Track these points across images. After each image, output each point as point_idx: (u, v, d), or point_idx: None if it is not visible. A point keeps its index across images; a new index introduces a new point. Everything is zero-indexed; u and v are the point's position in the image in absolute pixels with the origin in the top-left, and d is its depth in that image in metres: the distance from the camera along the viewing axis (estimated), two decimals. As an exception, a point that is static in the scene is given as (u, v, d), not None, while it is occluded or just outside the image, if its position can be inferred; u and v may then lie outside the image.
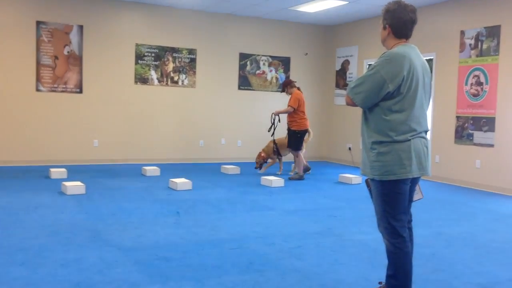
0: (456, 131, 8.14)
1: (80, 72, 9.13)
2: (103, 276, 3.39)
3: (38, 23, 8.76)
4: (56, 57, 8.92)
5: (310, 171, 8.55)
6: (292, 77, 10.71)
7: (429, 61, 8.56)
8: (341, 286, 3.37)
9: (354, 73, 10.54)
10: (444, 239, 4.67)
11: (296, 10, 9.54)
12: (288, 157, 8.94)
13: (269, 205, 6.04)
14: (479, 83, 7.76)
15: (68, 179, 7.14)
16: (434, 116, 8.52)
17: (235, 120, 10.48)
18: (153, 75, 9.71)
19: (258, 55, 10.63)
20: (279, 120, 8.40)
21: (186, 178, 7.36)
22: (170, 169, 8.76)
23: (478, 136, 7.77)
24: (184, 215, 5.31)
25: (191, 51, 10.00)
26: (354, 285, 3.38)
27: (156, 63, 9.71)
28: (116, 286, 3.22)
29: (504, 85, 7.43)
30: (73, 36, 9.03)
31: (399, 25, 2.85)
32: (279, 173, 8.60)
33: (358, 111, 9.31)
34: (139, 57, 9.56)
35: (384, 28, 2.91)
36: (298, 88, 8.26)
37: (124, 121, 9.51)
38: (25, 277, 3.32)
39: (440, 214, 5.84)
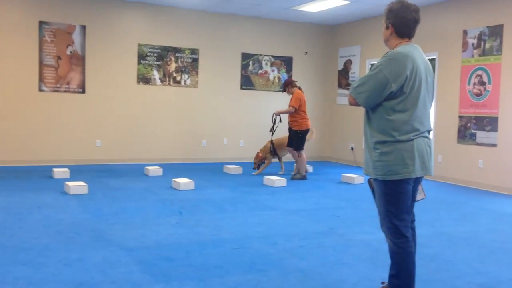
0: (459, 131, 8.13)
1: (83, 72, 9.14)
2: (106, 275, 3.39)
3: (41, 23, 8.77)
4: (59, 57, 8.93)
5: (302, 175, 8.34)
6: (294, 77, 10.71)
7: (432, 60, 8.54)
8: (344, 286, 3.37)
9: (357, 72, 10.53)
10: (446, 239, 4.66)
11: (298, 9, 9.53)
12: (288, 157, 8.90)
13: (271, 205, 6.04)
14: (482, 83, 7.75)
15: (71, 179, 7.15)
16: (436, 115, 8.51)
17: (238, 120, 10.48)
18: (156, 75, 9.72)
19: (261, 55, 10.63)
20: (280, 120, 8.39)
21: (189, 178, 7.36)
22: (173, 169, 8.76)
23: (481, 135, 7.76)
24: (186, 215, 5.31)
25: (194, 51, 10.00)
26: (357, 285, 3.38)
27: (159, 63, 9.72)
28: (119, 285, 3.22)
29: (506, 85, 7.41)
30: (76, 36, 9.05)
31: (402, 24, 2.85)
32: (281, 173, 8.59)
33: (360, 111, 9.32)
34: (141, 57, 9.57)
35: (387, 27, 2.91)
36: (299, 88, 8.25)
37: (126, 121, 9.52)
38: (28, 276, 3.33)
39: (443, 214, 5.83)
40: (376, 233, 4.46)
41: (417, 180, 2.90)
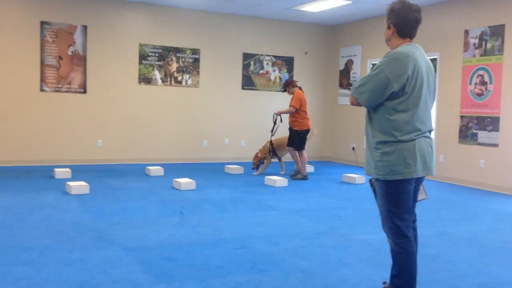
0: (460, 131, 8.12)
1: (84, 72, 9.15)
2: (107, 275, 3.39)
3: (42, 23, 8.78)
4: (60, 57, 8.94)
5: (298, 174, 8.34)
6: (295, 77, 10.71)
7: (433, 60, 8.54)
8: (345, 286, 3.36)
9: (358, 72, 10.53)
10: (448, 239, 4.66)
11: (299, 9, 9.53)
12: (288, 157, 8.87)
13: (272, 205, 6.04)
14: (483, 83, 7.74)
15: (72, 179, 7.16)
16: (438, 115, 8.51)
17: (239, 120, 10.48)
18: (157, 75, 9.73)
19: (262, 55, 10.63)
20: (281, 120, 8.39)
21: (190, 178, 7.36)
22: (174, 169, 8.77)
23: (482, 135, 7.75)
24: (188, 215, 5.31)
25: (195, 51, 10.00)
26: (358, 285, 3.38)
27: (160, 63, 9.72)
28: (120, 285, 3.22)
29: (508, 85, 7.40)
30: (77, 36, 9.06)
31: (404, 24, 2.85)
32: (282, 173, 8.59)
33: (361, 111, 9.31)
34: (143, 57, 9.57)
35: (389, 27, 2.91)
36: (300, 88, 8.25)
37: (128, 121, 9.52)
38: (29, 276, 3.33)
39: (444, 214, 5.83)
40: (378, 233, 4.46)
41: (419, 180, 2.90)
